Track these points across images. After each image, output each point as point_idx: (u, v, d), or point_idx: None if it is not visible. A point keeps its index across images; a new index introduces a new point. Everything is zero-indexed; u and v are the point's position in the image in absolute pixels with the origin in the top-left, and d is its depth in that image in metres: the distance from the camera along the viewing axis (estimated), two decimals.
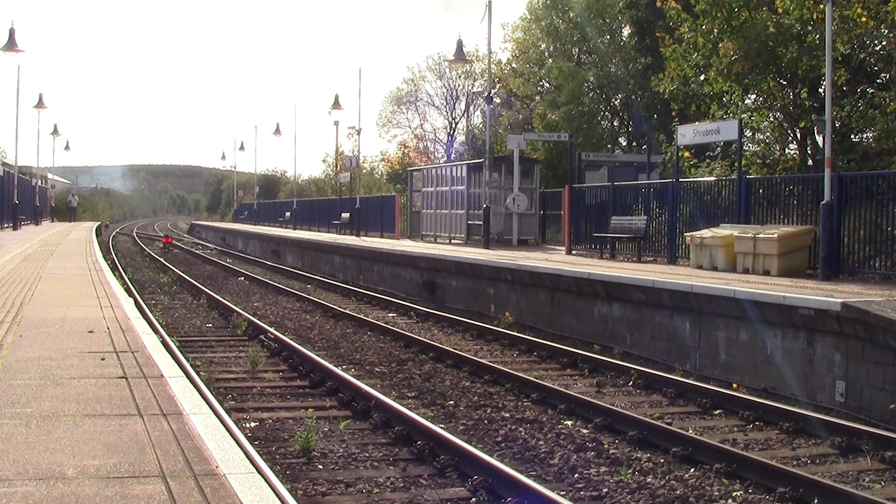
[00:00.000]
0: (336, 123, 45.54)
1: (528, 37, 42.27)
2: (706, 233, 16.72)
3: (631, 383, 11.49)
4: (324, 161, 74.89)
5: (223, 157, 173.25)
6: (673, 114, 27.23)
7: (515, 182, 26.84)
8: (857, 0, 18.59)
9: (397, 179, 58.37)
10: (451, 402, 10.24)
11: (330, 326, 16.64)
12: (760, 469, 7.42)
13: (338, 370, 11.14)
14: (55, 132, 60.98)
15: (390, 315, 18.78)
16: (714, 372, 12.59)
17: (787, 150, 24.21)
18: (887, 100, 19.09)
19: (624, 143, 39.11)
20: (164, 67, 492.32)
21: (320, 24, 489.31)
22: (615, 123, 40.28)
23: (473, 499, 6.85)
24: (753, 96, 23.56)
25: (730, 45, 20.51)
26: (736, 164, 18.72)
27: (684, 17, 22.24)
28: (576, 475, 7.49)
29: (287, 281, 26.77)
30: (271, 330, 14.73)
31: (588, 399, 10.01)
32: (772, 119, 23.27)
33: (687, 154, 23.68)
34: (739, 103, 23.15)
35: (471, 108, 60.51)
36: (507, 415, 9.61)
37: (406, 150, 64.30)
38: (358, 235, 35.83)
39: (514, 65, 46.46)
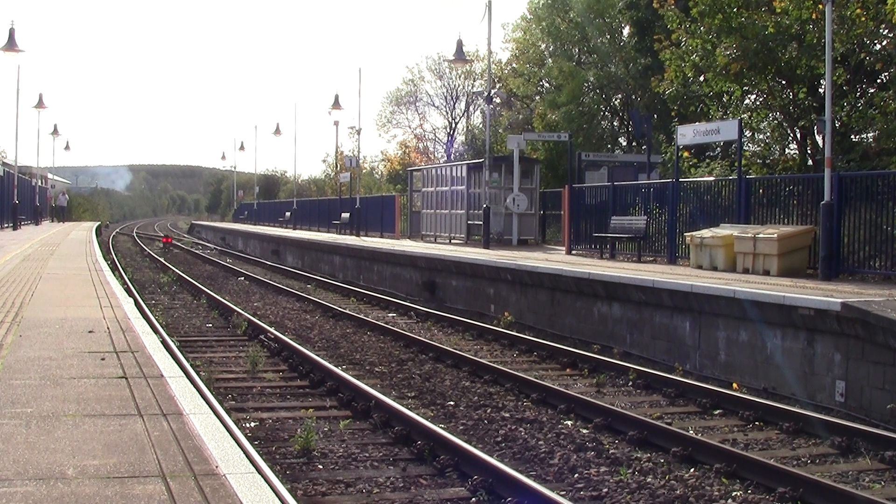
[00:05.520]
0: (336, 123, 45.56)
1: (528, 37, 42.29)
2: (706, 233, 16.72)
3: (631, 383, 11.49)
4: (324, 161, 75.06)
5: (223, 157, 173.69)
6: (673, 114, 27.24)
7: (515, 182, 26.84)
8: (855, 0, 18.61)
9: (397, 179, 58.39)
10: (451, 402, 10.24)
11: (330, 326, 16.64)
12: (760, 469, 7.42)
13: (338, 370, 11.14)
14: (55, 132, 60.95)
15: (390, 315, 18.78)
16: (714, 372, 12.59)
17: (787, 150, 24.22)
18: (887, 100, 19.10)
19: (624, 143, 39.12)
20: (163, 67, 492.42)
21: (320, 24, 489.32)
22: (615, 123, 40.29)
23: (473, 499, 6.85)
24: (753, 96, 23.58)
25: (729, 42, 20.52)
26: (736, 164, 18.72)
27: (682, 17, 22.24)
28: (576, 475, 7.49)
29: (287, 281, 26.77)
30: (271, 330, 14.73)
31: (588, 399, 10.01)
32: (771, 119, 23.28)
33: (687, 154, 23.69)
34: (739, 103, 23.16)
35: (471, 108, 60.58)
36: (507, 415, 9.61)
37: (406, 150, 64.32)
38: (358, 235, 35.83)
39: (514, 65, 46.48)
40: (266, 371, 11.71)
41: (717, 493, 7.07)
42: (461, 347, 14.17)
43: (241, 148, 73.36)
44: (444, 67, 60.49)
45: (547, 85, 41.69)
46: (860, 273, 14.18)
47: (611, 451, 8.17)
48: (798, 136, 22.71)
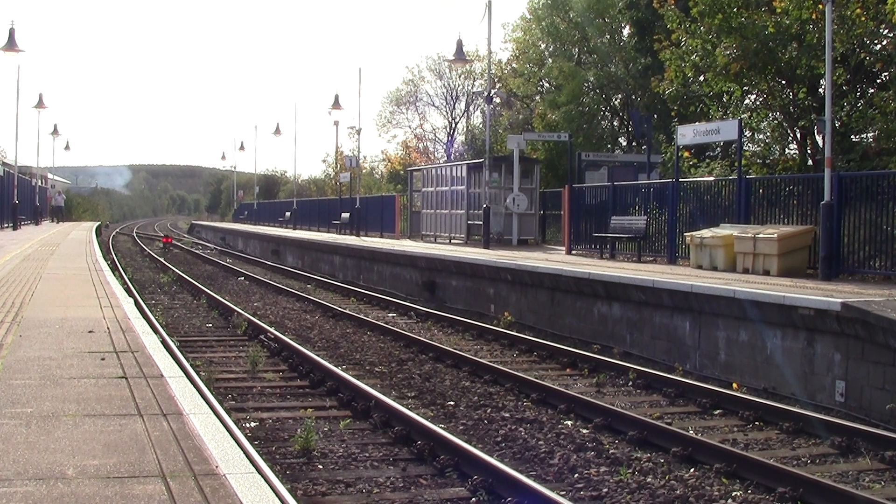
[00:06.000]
0: (336, 123, 45.56)
1: (528, 37, 42.27)
2: (706, 233, 16.72)
3: (631, 383, 11.49)
4: (324, 161, 75.04)
5: (223, 157, 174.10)
6: (673, 114, 27.24)
7: (515, 182, 26.85)
8: (855, 0, 18.61)
9: (397, 179, 58.39)
10: (451, 402, 10.25)
11: (330, 326, 16.64)
12: (760, 469, 7.43)
13: (338, 370, 11.14)
14: (55, 132, 60.86)
15: (390, 315, 18.78)
16: (714, 372, 12.59)
17: (787, 150, 24.22)
18: (887, 100, 19.09)
19: (624, 143, 39.12)
20: (164, 67, 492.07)
21: (320, 24, 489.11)
22: (615, 123, 40.28)
23: (473, 499, 6.85)
24: (753, 96, 23.57)
25: (729, 42, 20.52)
26: (736, 164, 18.72)
27: (682, 17, 22.25)
28: (576, 475, 7.49)
29: (287, 281, 26.78)
30: (271, 330, 14.73)
31: (588, 399, 10.01)
32: (771, 119, 23.27)
33: (687, 154, 23.68)
34: (739, 103, 23.15)
35: (471, 108, 60.56)
36: (507, 415, 9.61)
37: (407, 150, 64.32)
38: (358, 235, 35.83)
39: (514, 65, 46.48)
40: (266, 371, 11.71)
41: (717, 493, 7.07)
42: (461, 347, 14.17)
43: (241, 148, 73.44)
44: (444, 67, 60.49)
45: (547, 85, 41.68)
46: (860, 273, 14.18)
47: (611, 451, 8.17)
48: (798, 136, 22.70)
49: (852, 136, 21.45)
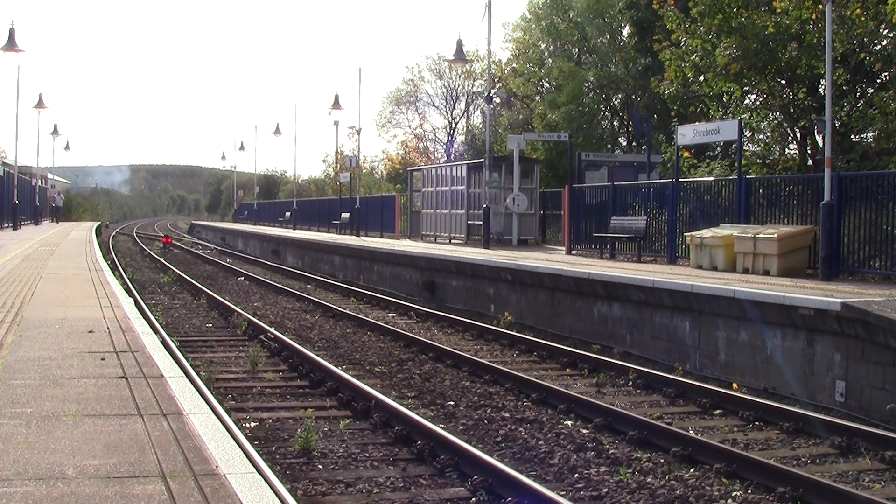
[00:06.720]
0: (336, 123, 45.58)
1: (528, 37, 42.29)
2: (706, 233, 16.72)
3: (631, 383, 11.49)
4: (324, 161, 75.09)
5: (223, 157, 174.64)
6: (673, 114, 27.25)
7: (515, 182, 26.85)
8: (855, 0, 18.61)
9: (397, 179, 58.40)
10: (451, 402, 10.25)
11: (330, 326, 16.64)
12: (760, 469, 7.43)
13: (338, 370, 11.14)
14: (55, 132, 60.86)
15: (390, 315, 18.78)
16: (714, 372, 12.59)
17: (786, 150, 24.22)
18: (887, 100, 19.10)
19: (624, 143, 39.13)
20: (163, 67, 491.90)
21: (320, 24, 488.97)
22: (615, 123, 40.29)
23: (473, 499, 6.85)
24: (753, 96, 23.58)
25: (729, 42, 20.53)
26: (736, 164, 18.72)
27: (681, 17, 22.26)
28: (576, 475, 7.49)
29: (287, 281, 26.78)
30: (271, 330, 14.73)
31: (588, 399, 10.01)
32: (771, 119, 23.28)
33: (687, 154, 23.69)
34: (739, 103, 23.16)
35: (471, 108, 60.59)
36: (507, 415, 9.61)
37: (407, 150, 64.35)
38: (358, 235, 35.84)
39: (514, 65, 46.50)
40: (266, 371, 11.71)
41: (717, 493, 7.07)
42: (461, 347, 14.17)
43: (241, 148, 73.47)
44: (444, 67, 60.53)
45: (547, 85, 41.69)
46: (860, 273, 14.17)
47: (611, 451, 8.17)
48: (798, 136, 22.71)
49: (852, 136, 21.45)
